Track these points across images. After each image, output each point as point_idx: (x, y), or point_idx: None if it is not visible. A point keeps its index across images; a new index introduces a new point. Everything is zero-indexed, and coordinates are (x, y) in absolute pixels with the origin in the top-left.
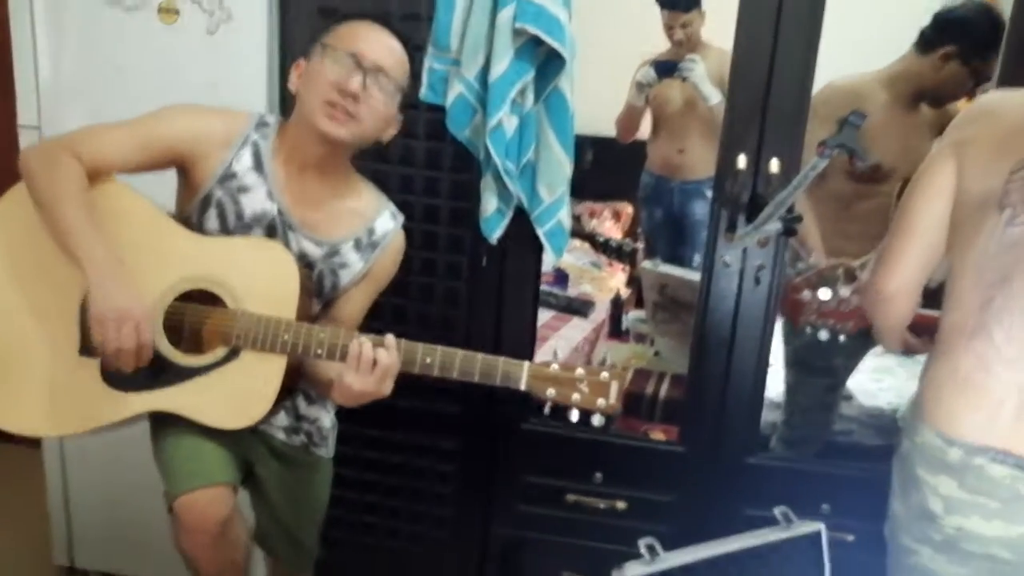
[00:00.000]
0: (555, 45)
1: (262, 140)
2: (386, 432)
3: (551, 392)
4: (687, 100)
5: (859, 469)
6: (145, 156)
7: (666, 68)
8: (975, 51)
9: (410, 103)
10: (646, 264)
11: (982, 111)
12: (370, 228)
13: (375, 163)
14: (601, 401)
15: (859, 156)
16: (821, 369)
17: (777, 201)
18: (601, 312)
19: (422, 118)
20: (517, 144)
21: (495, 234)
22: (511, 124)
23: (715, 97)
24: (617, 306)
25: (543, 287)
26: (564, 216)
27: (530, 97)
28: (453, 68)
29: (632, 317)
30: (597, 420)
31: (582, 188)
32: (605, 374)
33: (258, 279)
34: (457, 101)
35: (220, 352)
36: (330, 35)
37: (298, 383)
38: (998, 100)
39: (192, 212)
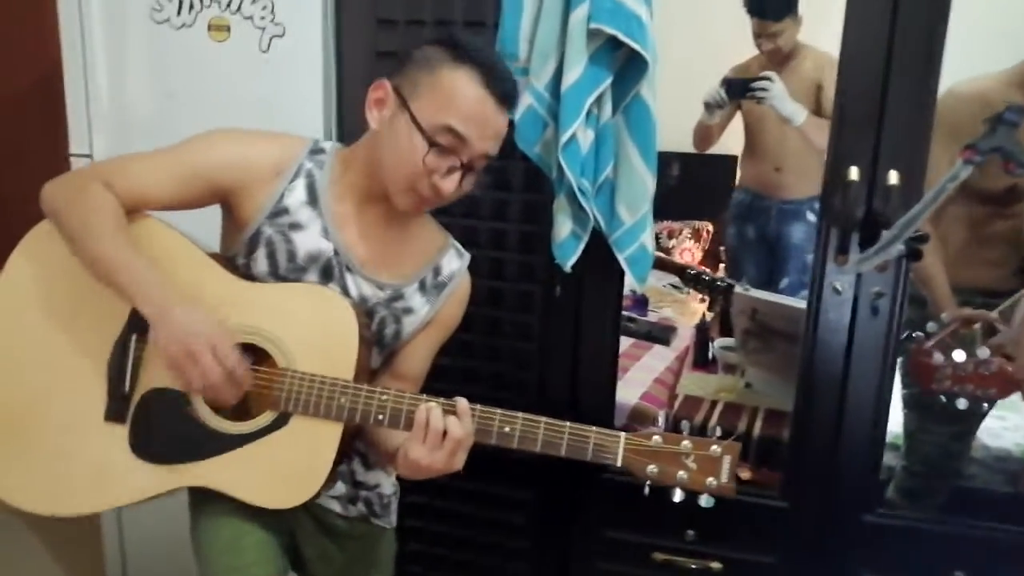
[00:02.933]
0: (635, 47)
1: (317, 170)
2: (453, 480)
3: (652, 470)
4: (777, 113)
5: (993, 528)
6: (185, 189)
7: (737, 89)
8: None
9: None
10: (737, 288)
11: None
12: (436, 267)
13: None
14: (711, 481)
15: (1018, 160)
16: (948, 416)
17: (907, 219)
18: (684, 339)
19: None
20: (594, 160)
21: (570, 260)
22: (587, 138)
23: (800, 116)
24: (703, 333)
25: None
26: (647, 239)
27: (608, 107)
28: (522, 78)
29: (719, 345)
30: (705, 501)
31: (659, 206)
32: (716, 448)
33: (313, 333)
34: (527, 114)
35: (267, 418)
36: (432, 77)
37: (354, 447)
38: None
39: (238, 252)
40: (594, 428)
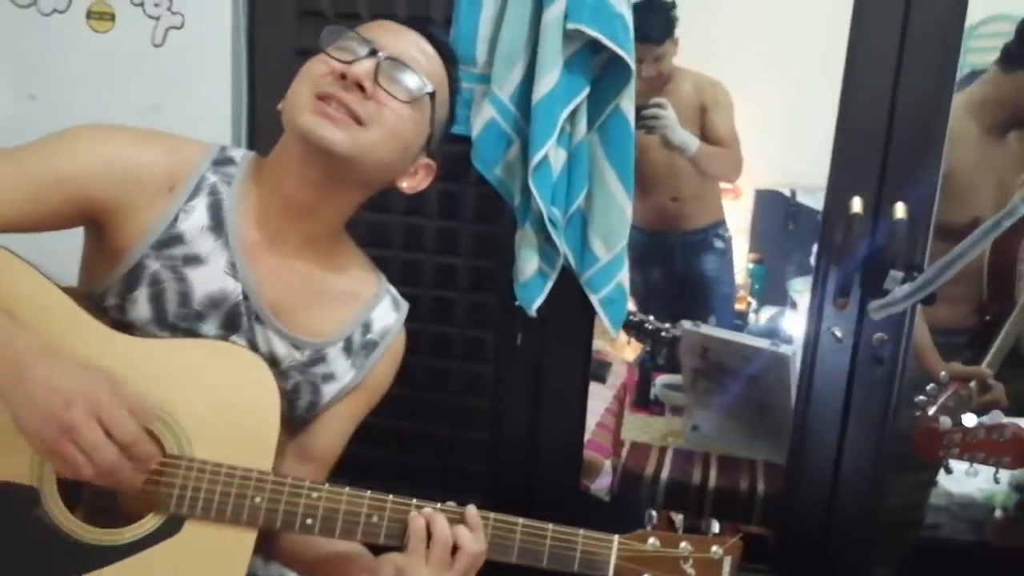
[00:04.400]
0: (620, 52)
1: (224, 185)
2: None
3: None
4: (665, 143)
5: None
6: (39, 204)
7: None
8: None
9: None
10: (686, 323)
11: None
12: (366, 322)
13: (371, 212)
14: None
15: None
16: (914, 465)
17: (951, 258)
18: (618, 375)
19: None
20: (565, 185)
21: (535, 302)
22: (559, 159)
23: (692, 146)
24: (644, 370)
25: None
26: (624, 278)
27: (583, 123)
28: (480, 86)
29: (663, 384)
30: None
31: None
32: (716, 548)
33: (217, 407)
34: (487, 129)
35: (151, 523)
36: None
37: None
38: None
39: (109, 292)
40: (581, 532)
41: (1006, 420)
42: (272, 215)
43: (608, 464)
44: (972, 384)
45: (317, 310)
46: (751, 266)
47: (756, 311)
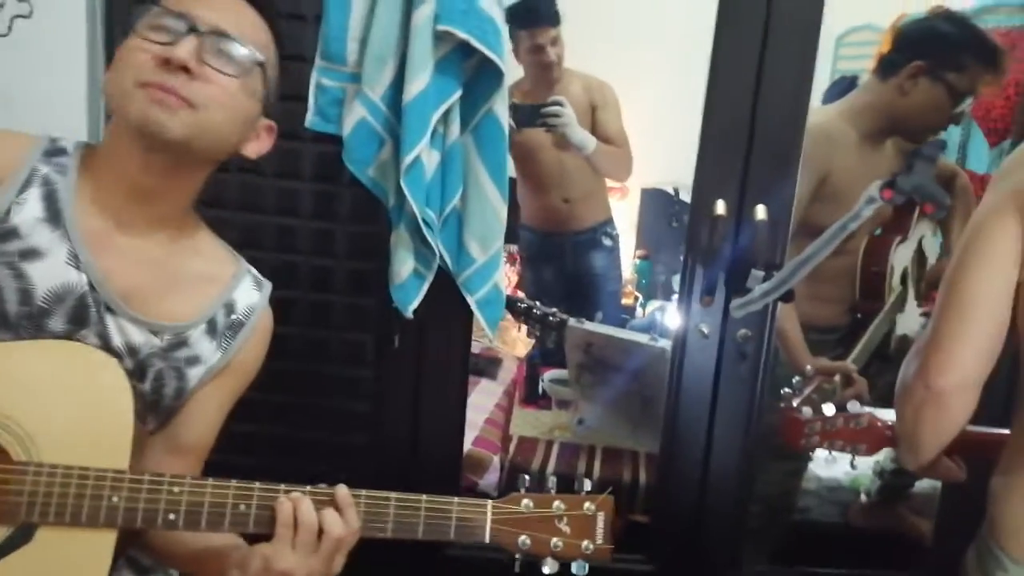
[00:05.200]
0: (491, 55)
1: (58, 175)
2: None
3: (524, 541)
4: (559, 142)
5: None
6: None
7: (526, 115)
8: (947, 60)
9: (292, 132)
10: (570, 320)
11: None
12: (228, 302)
13: (241, 212)
14: (587, 544)
15: (939, 201)
16: (786, 452)
17: (801, 259)
18: (509, 371)
19: (308, 152)
20: (440, 187)
21: (412, 304)
22: (432, 161)
23: (590, 144)
24: (532, 366)
25: None
26: (500, 278)
27: (455, 125)
28: (351, 85)
29: (550, 379)
30: (577, 568)
31: None
32: (589, 505)
33: (65, 409)
34: (358, 129)
35: None
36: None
37: (124, 553)
38: None
39: None
40: (456, 499)
41: (863, 410)
42: (114, 201)
43: (496, 460)
44: (836, 378)
45: (173, 294)
46: (637, 262)
47: (643, 305)
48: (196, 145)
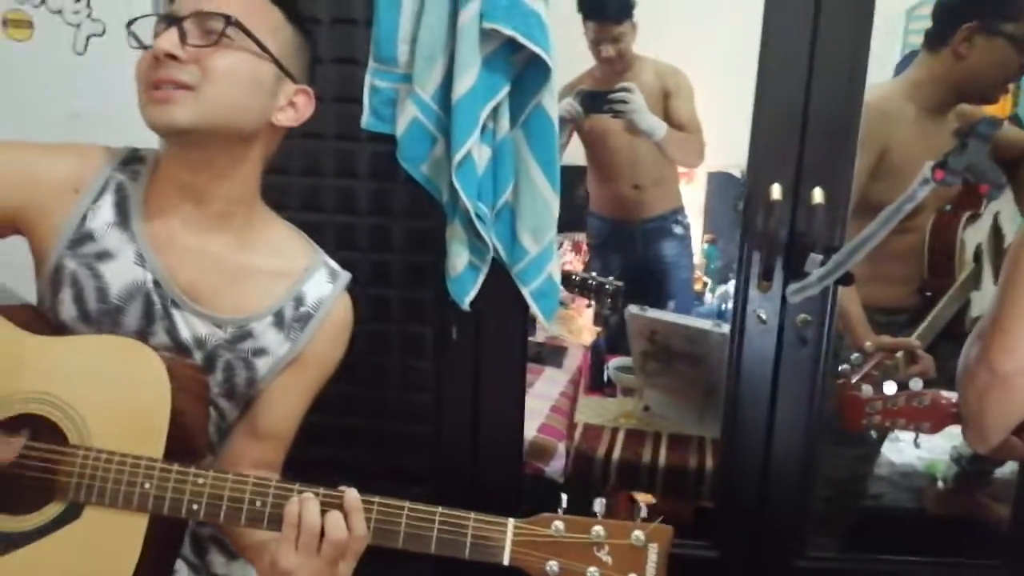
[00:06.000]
0: (536, 50)
1: (131, 182)
2: None
3: (553, 568)
4: (630, 128)
5: (933, 565)
6: None
7: (594, 101)
8: (1001, 12)
9: (348, 133)
10: (633, 308)
11: None
12: (298, 295)
13: (303, 211)
14: None
15: (993, 181)
16: (855, 438)
17: (857, 243)
18: (575, 359)
19: (365, 151)
20: (492, 181)
21: (467, 296)
22: (483, 156)
23: (660, 130)
24: (597, 355)
25: None
26: (555, 269)
27: (505, 120)
28: (403, 86)
29: (615, 366)
30: None
31: None
32: (639, 534)
33: (112, 399)
34: (411, 128)
35: (53, 510)
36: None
37: (204, 536)
38: None
39: (44, 297)
40: (473, 514)
41: (925, 389)
42: (174, 203)
43: (562, 447)
44: (899, 355)
45: (239, 287)
46: (706, 247)
47: (712, 290)
48: (209, 122)
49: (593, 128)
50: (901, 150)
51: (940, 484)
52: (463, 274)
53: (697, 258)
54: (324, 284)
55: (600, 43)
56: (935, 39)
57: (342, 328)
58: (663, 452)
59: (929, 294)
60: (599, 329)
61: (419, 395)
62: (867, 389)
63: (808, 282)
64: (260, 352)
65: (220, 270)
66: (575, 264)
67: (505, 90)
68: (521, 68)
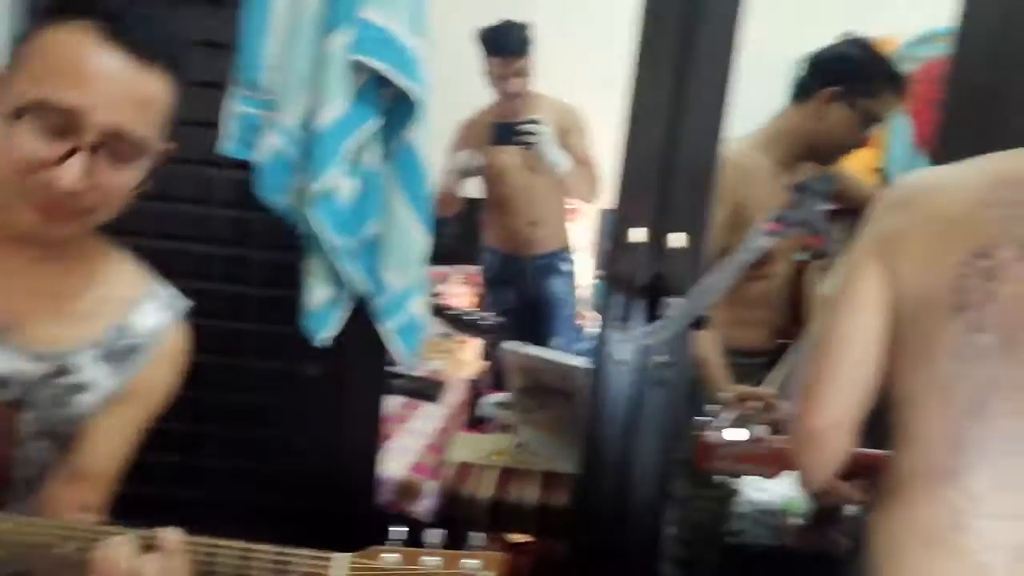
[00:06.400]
0: (407, 85)
1: None
2: None
3: None
4: (529, 165)
5: None
6: None
7: (504, 134)
8: (860, 87)
9: (206, 158)
10: (508, 344)
11: (907, 196)
12: (125, 326)
13: (152, 238)
14: None
15: (825, 236)
16: (715, 480)
17: (700, 292)
18: (455, 394)
19: (223, 178)
20: (356, 214)
21: (324, 333)
22: (348, 188)
23: (566, 163)
24: (475, 391)
25: None
26: (418, 307)
27: (374, 154)
28: (267, 113)
29: (492, 402)
30: None
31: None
32: (471, 563)
33: None
34: (273, 157)
35: None
36: (30, 47)
37: None
38: (926, 183)
39: None
40: (300, 551)
41: (768, 435)
42: None
43: (431, 485)
44: (757, 404)
45: (59, 320)
46: (596, 282)
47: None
48: (90, 227)
49: (492, 163)
50: (755, 203)
51: (799, 521)
52: (321, 309)
53: (587, 294)
54: (155, 313)
55: (505, 78)
56: (802, 91)
57: (175, 359)
58: (536, 490)
59: (784, 341)
60: (487, 364)
61: (269, 431)
62: (715, 436)
63: (658, 326)
64: (80, 388)
65: (39, 302)
66: (467, 298)
67: (371, 123)
68: (392, 102)
